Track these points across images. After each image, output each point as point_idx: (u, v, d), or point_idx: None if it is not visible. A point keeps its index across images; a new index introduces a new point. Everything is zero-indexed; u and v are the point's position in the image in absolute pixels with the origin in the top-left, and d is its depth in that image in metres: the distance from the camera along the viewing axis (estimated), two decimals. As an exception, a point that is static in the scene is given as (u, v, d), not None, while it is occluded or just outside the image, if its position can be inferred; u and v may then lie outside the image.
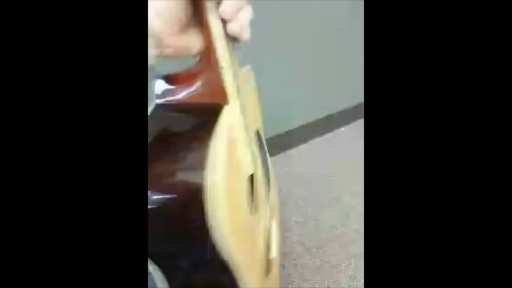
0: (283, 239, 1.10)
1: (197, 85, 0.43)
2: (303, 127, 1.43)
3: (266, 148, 0.70)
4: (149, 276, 0.40)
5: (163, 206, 0.37)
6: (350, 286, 0.99)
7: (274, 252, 0.62)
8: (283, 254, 1.05)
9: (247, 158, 0.46)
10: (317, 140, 1.47)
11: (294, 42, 1.25)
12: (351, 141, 1.45)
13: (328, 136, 1.50)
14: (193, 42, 0.40)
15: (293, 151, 1.44)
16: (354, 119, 1.53)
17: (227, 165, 0.38)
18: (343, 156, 1.39)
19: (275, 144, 1.29)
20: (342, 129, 1.52)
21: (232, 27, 0.39)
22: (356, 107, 1.52)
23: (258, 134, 0.62)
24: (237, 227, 0.42)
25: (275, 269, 0.64)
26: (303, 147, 1.45)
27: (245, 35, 0.41)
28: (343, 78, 1.42)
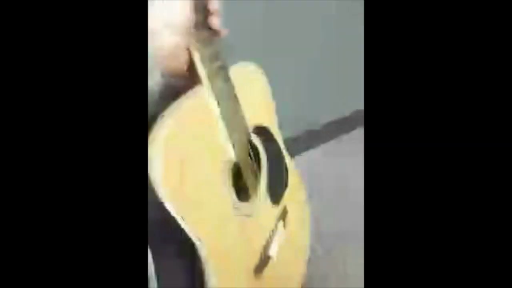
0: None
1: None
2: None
3: (282, 147, 0.69)
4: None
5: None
6: None
7: (273, 251, 0.61)
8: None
9: (226, 144, 0.48)
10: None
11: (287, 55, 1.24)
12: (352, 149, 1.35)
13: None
14: None
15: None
16: (348, 130, 1.43)
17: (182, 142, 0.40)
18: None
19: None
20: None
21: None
22: (354, 114, 1.44)
23: (265, 130, 0.62)
24: (197, 203, 0.44)
25: (274, 272, 0.62)
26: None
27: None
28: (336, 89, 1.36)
